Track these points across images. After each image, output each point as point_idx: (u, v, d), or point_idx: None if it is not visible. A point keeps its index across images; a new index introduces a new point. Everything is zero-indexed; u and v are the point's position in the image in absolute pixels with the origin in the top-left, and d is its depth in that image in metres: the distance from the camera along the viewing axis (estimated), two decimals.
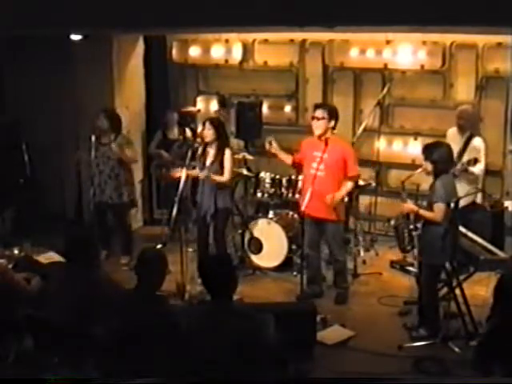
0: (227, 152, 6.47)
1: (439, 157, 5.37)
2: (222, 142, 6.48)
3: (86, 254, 4.48)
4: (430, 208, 5.41)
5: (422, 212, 5.44)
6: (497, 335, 3.95)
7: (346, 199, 7.05)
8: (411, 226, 5.63)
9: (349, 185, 6.19)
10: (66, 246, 4.60)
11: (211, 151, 6.50)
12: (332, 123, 6.09)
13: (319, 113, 6.06)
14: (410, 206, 5.58)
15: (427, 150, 5.45)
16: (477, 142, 6.80)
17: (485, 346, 4.13)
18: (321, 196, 6.01)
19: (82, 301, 4.20)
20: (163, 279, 4.19)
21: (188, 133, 7.91)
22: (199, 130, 7.18)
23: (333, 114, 6.11)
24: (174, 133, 8.02)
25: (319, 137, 6.08)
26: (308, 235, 6.23)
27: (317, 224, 6.23)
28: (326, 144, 5.99)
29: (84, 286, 4.29)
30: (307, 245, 6.28)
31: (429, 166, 5.41)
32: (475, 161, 6.49)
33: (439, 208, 5.29)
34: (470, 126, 6.87)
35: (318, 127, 6.06)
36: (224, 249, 6.69)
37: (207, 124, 6.47)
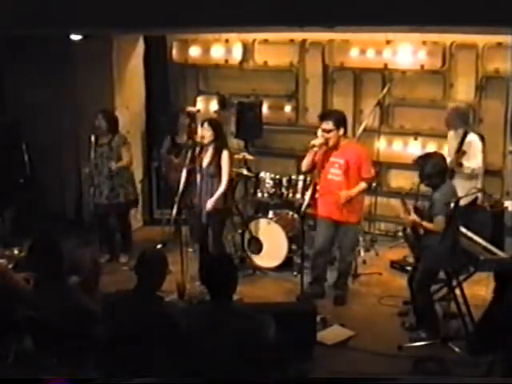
0: (225, 153, 6.42)
1: (432, 169, 5.34)
2: (220, 143, 6.44)
3: (48, 265, 4.30)
4: (427, 219, 5.42)
5: (424, 224, 5.42)
6: (493, 320, 3.95)
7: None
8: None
9: (362, 185, 6.17)
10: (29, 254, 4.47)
11: (208, 152, 6.46)
12: (342, 130, 6.08)
13: (326, 125, 6.02)
14: (412, 218, 5.54)
15: (419, 165, 5.42)
16: (470, 137, 6.72)
17: (481, 331, 4.13)
18: (337, 199, 6.06)
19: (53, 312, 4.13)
20: (163, 280, 4.19)
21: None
22: (199, 130, 7.14)
23: (340, 122, 6.07)
24: (183, 137, 7.98)
25: (333, 146, 6.09)
26: (321, 238, 6.27)
27: (333, 227, 6.25)
28: (345, 150, 6.07)
29: (48, 298, 4.19)
30: (319, 247, 6.30)
31: (425, 181, 5.42)
32: (463, 152, 6.47)
33: (439, 221, 5.30)
34: (460, 123, 6.80)
35: (329, 139, 6.05)
36: (222, 249, 6.68)
37: (205, 125, 6.42)
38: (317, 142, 6.06)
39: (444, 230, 5.29)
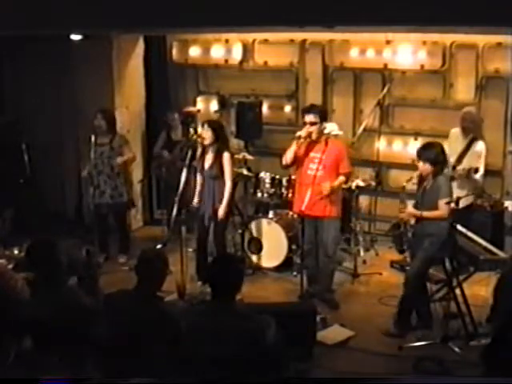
0: (226, 155, 6.39)
1: (437, 157, 5.42)
2: (220, 144, 6.42)
3: (46, 267, 4.26)
4: (429, 208, 5.42)
5: (427, 214, 5.45)
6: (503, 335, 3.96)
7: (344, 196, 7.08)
8: (408, 227, 5.65)
9: (342, 178, 6.20)
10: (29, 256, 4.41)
11: (210, 153, 6.45)
12: (324, 125, 6.15)
13: (311, 118, 6.05)
14: (411, 211, 5.58)
15: (425, 152, 5.49)
16: (479, 146, 6.75)
17: (493, 348, 4.13)
18: (319, 195, 6.04)
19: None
20: (163, 280, 4.19)
21: (191, 132, 7.82)
22: (199, 130, 7.15)
23: (323, 116, 6.16)
24: (178, 134, 7.99)
25: (315, 140, 6.09)
26: (306, 234, 6.24)
27: (314, 223, 6.23)
28: (326, 145, 6.05)
29: (48, 298, 4.16)
30: (305, 244, 6.28)
31: (428, 168, 5.43)
32: (476, 170, 6.50)
33: (446, 205, 5.32)
34: (473, 128, 6.83)
35: (313, 132, 6.06)
36: (225, 249, 6.67)
37: (206, 126, 6.42)
38: (302, 133, 6.07)
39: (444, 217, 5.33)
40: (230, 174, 6.44)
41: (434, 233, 5.41)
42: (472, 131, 6.80)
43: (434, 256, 5.49)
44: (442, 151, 5.51)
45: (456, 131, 6.96)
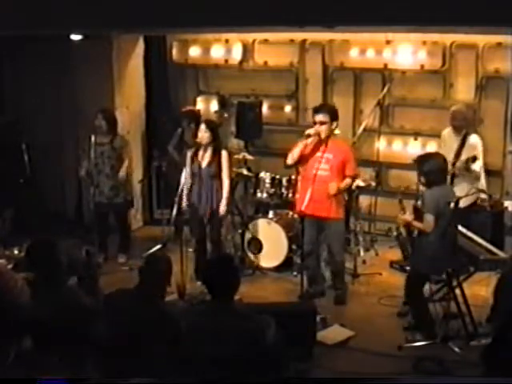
0: (224, 153, 6.43)
1: (430, 169, 5.37)
2: (218, 143, 6.46)
3: (45, 267, 4.26)
4: (422, 218, 5.43)
5: (415, 223, 5.47)
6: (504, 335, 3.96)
7: (346, 197, 7.09)
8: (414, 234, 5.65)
9: (348, 180, 6.23)
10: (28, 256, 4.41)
11: (208, 153, 6.47)
12: (334, 125, 6.12)
13: (321, 117, 6.05)
14: (403, 217, 5.60)
15: (418, 163, 5.48)
16: (473, 139, 6.84)
17: (493, 348, 4.14)
18: (324, 195, 6.04)
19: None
20: (166, 284, 4.20)
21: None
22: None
23: (334, 116, 6.12)
24: (189, 135, 7.94)
25: (323, 139, 6.09)
26: (308, 235, 6.24)
27: (318, 223, 6.23)
28: (332, 146, 6.08)
29: (47, 299, 4.15)
30: (306, 247, 6.28)
31: (422, 179, 5.45)
32: (474, 158, 6.54)
33: (427, 219, 5.30)
34: (464, 125, 6.90)
35: (322, 131, 6.06)
36: (222, 249, 6.68)
37: (203, 126, 6.45)
38: (311, 131, 6.07)
39: (433, 231, 5.30)
40: (229, 171, 6.47)
41: (419, 248, 5.41)
42: (464, 128, 6.86)
43: (420, 272, 5.51)
44: (438, 163, 5.41)
45: (448, 131, 7.01)
